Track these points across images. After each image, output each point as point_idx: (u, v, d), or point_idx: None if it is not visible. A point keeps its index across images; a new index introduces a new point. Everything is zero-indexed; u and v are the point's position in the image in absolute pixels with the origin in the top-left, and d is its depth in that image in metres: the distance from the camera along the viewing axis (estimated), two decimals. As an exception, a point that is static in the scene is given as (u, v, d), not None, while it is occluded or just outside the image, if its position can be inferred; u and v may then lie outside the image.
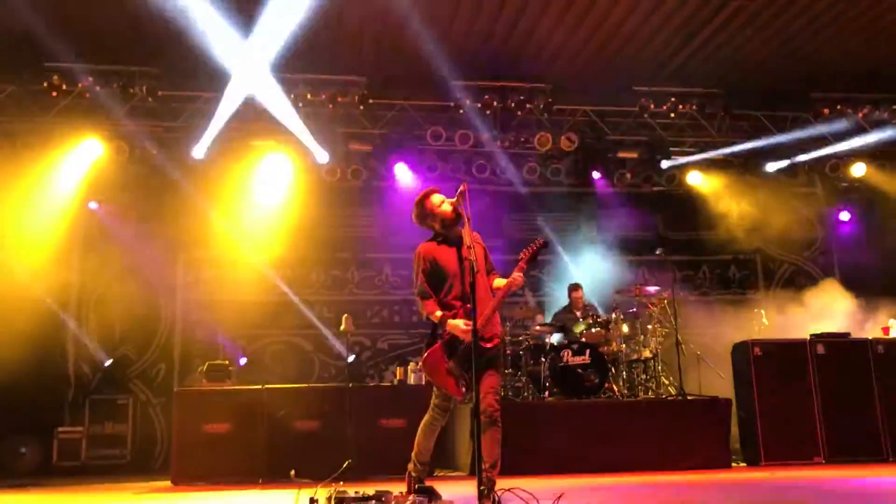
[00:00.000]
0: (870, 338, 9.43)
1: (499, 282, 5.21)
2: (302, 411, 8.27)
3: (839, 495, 5.65)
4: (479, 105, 10.96)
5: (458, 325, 5.00)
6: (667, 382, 9.49)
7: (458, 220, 5.18)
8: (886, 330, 9.70)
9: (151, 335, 11.04)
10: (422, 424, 5.29)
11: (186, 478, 7.97)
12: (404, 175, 11.42)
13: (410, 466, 5.31)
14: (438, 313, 5.11)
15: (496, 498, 4.34)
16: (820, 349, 9.15)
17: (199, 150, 10.47)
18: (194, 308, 11.16)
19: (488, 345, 5.07)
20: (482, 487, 4.60)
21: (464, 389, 5.01)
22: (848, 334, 9.44)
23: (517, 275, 5.05)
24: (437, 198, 5.31)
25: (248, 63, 9.70)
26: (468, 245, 4.97)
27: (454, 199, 5.23)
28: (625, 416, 8.68)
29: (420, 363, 5.22)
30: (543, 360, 9.13)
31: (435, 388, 5.26)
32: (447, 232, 5.28)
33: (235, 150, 10.80)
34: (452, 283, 5.18)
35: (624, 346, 9.55)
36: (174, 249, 11.18)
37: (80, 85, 10.08)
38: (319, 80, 10.58)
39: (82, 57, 9.82)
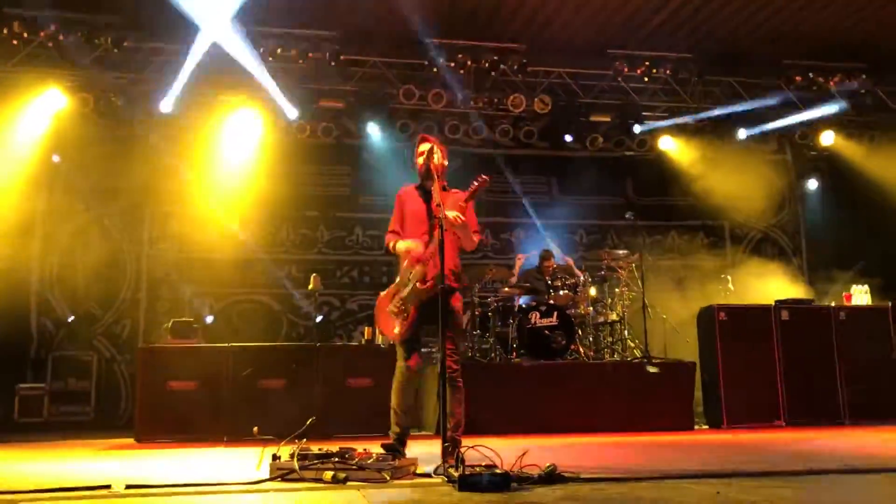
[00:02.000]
0: (832, 304, 9.58)
1: (451, 213, 5.08)
2: (269, 370, 8.23)
3: (796, 456, 5.76)
4: (453, 64, 10.82)
5: (406, 243, 5.20)
6: (633, 345, 9.58)
7: (427, 175, 5.29)
8: (849, 297, 9.85)
9: (116, 291, 10.89)
10: (393, 383, 5.26)
11: (150, 435, 7.92)
12: (376, 134, 11.31)
13: (392, 423, 5.24)
14: (393, 243, 5.33)
15: (459, 455, 4.36)
16: (784, 315, 9.28)
17: (166, 104, 10.24)
18: (160, 264, 11.02)
19: (424, 285, 5.09)
20: (446, 444, 4.66)
21: (397, 329, 5.11)
22: (811, 301, 9.59)
23: (455, 213, 5.04)
24: (423, 147, 5.41)
25: (217, 14, 9.45)
26: (437, 203, 4.96)
27: (424, 157, 5.25)
28: (590, 378, 8.78)
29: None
30: (511, 321, 9.17)
31: (397, 347, 5.28)
32: (421, 181, 5.41)
33: (204, 105, 10.60)
34: (412, 230, 5.30)
35: (591, 308, 9.62)
36: (140, 204, 11.01)
37: (42, 33, 9.77)
38: (291, 34, 10.37)
39: (46, 4, 9.51)
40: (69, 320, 10.61)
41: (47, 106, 10.19)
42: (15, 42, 9.78)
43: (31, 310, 10.63)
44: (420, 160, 5.38)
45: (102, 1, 9.62)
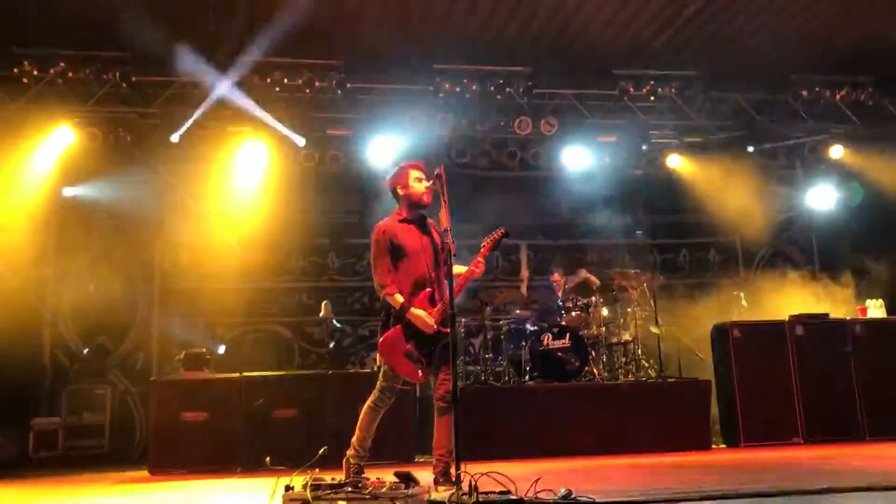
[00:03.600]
0: (848, 318, 9.49)
1: (458, 269, 5.17)
2: (281, 399, 8.21)
3: (816, 475, 5.68)
4: (458, 89, 10.86)
5: (422, 316, 5.07)
6: (647, 365, 9.52)
7: (426, 204, 5.25)
8: (864, 311, 9.76)
9: (129, 324, 10.93)
10: (365, 407, 5.28)
11: (164, 467, 7.91)
12: (383, 160, 11.34)
13: (350, 453, 5.29)
14: (400, 298, 5.11)
15: (472, 483, 4.32)
16: (799, 330, 9.20)
17: (175, 137, 10.32)
18: (172, 295, 11.05)
19: (446, 329, 5.05)
20: (458, 472, 4.61)
21: (421, 373, 5.08)
22: (827, 315, 9.49)
23: (479, 262, 5.11)
24: (415, 173, 5.33)
25: (223, 49, 9.55)
26: (445, 228, 4.95)
27: (430, 183, 5.21)
28: (605, 400, 8.71)
29: (378, 347, 5.18)
30: (524, 344, 9.13)
31: (383, 371, 5.24)
32: (411, 211, 5.31)
33: (212, 136, 10.66)
34: (409, 264, 5.18)
35: (604, 329, 9.57)
36: (151, 237, 11.05)
37: (51, 71, 9.88)
38: (297, 63, 10.44)
39: (54, 42, 9.64)
40: (84, 353, 10.64)
41: (57, 142, 10.28)
42: (25, 80, 9.89)
43: (44, 344, 10.68)
44: (419, 186, 5.30)
45: (110, 37, 9.72)
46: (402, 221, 5.32)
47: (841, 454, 7.42)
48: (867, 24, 10.07)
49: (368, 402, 5.31)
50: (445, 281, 5.00)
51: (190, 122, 10.18)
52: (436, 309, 5.14)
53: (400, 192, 5.36)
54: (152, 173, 10.65)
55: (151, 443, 8.18)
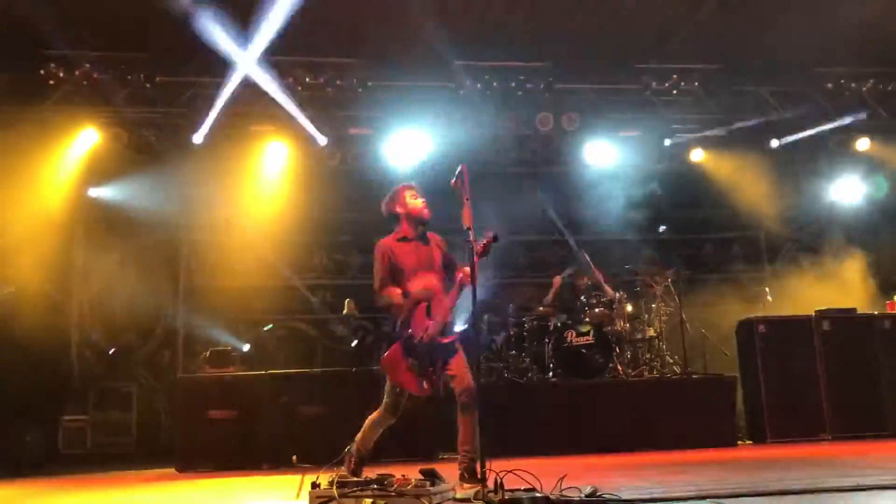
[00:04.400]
0: (875, 313, 9.38)
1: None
2: (305, 396, 8.26)
3: (843, 472, 5.62)
4: (480, 86, 10.85)
5: (417, 286, 5.14)
6: (671, 361, 9.46)
7: (426, 218, 5.36)
8: (892, 305, 9.64)
9: (155, 322, 11.04)
10: (370, 419, 5.32)
11: (191, 464, 7.98)
12: (405, 157, 11.34)
13: (353, 449, 5.31)
14: (398, 290, 5.19)
15: (498, 480, 4.32)
16: (825, 325, 9.10)
17: (198, 136, 10.41)
18: (197, 294, 11.14)
19: (445, 340, 5.14)
20: (484, 468, 4.62)
21: (426, 385, 5.08)
22: (854, 310, 9.38)
23: (467, 270, 5.03)
24: (410, 191, 5.46)
25: (246, 48, 9.60)
26: (468, 227, 4.94)
27: (422, 200, 5.39)
28: (630, 396, 8.68)
29: (381, 365, 5.20)
30: (547, 341, 9.11)
31: (388, 387, 5.27)
32: (412, 229, 5.39)
33: (235, 135, 10.76)
34: (408, 281, 5.24)
35: (628, 325, 9.52)
36: (175, 236, 11.15)
37: (77, 72, 9.99)
38: (318, 62, 10.48)
39: (79, 44, 9.75)
40: (110, 352, 10.76)
41: (83, 143, 10.40)
42: (52, 82, 10.01)
43: (71, 342, 10.82)
44: (417, 202, 5.40)
45: (133, 38, 9.81)
46: (401, 240, 5.39)
47: (869, 450, 7.34)
48: (894, 14, 9.93)
49: (374, 416, 5.33)
50: (449, 291, 5.17)
51: (212, 120, 10.26)
52: (432, 321, 5.17)
53: (399, 211, 5.45)
54: (176, 173, 10.72)
55: (178, 440, 8.27)
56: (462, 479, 4.96)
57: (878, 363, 8.99)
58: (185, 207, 10.92)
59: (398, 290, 5.20)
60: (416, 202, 5.41)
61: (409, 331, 5.16)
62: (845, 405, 8.81)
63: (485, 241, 5.02)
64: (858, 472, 5.60)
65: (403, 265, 5.28)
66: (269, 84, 10.06)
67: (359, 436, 5.37)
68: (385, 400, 5.29)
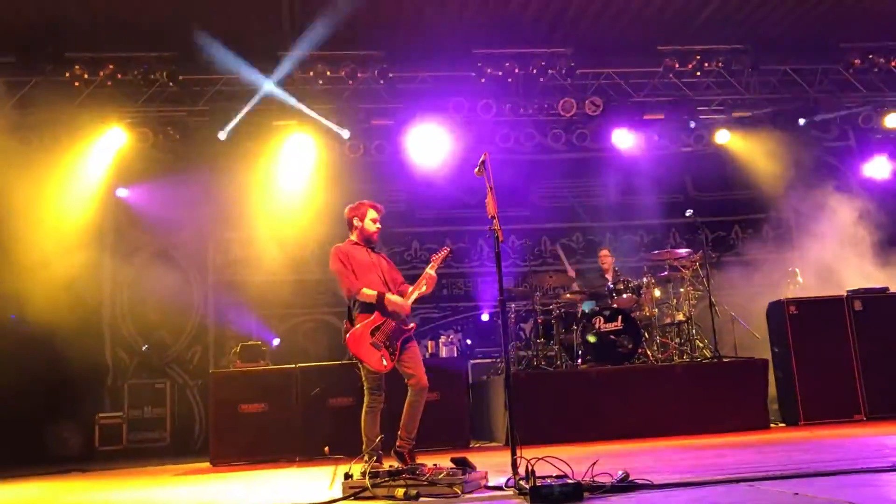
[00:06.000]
0: (909, 291, 9.23)
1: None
2: (335, 389, 8.31)
3: (878, 452, 5.55)
4: (501, 73, 10.80)
5: (397, 301, 5.68)
6: (701, 345, 9.39)
7: (374, 243, 6.02)
8: (925, 283, 9.47)
9: (185, 318, 11.18)
10: (363, 413, 5.69)
11: (225, 458, 8.08)
12: (429, 147, 11.34)
13: (366, 448, 5.56)
14: (370, 292, 5.69)
15: (529, 467, 4.32)
16: (857, 305, 8.97)
17: (222, 133, 10.49)
18: (226, 289, 11.25)
19: (406, 326, 5.77)
20: (517, 456, 4.62)
21: (385, 362, 5.57)
22: (886, 289, 9.23)
23: (431, 276, 5.84)
24: (372, 213, 5.98)
25: (267, 44, 9.67)
26: (493, 215, 4.95)
27: (378, 227, 5.99)
28: (660, 381, 8.62)
29: (344, 340, 5.73)
30: (576, 327, 9.08)
31: (364, 374, 5.67)
32: (360, 241, 5.96)
33: (258, 132, 10.81)
34: (363, 277, 5.75)
35: (656, 310, 9.46)
36: (203, 232, 11.27)
37: (101, 74, 10.10)
38: (339, 55, 10.49)
39: (102, 45, 9.85)
40: (143, 349, 10.91)
41: (110, 142, 10.52)
42: (77, 84, 10.12)
43: (105, 341, 10.99)
44: (371, 226, 5.93)
45: (156, 38, 9.89)
46: (354, 244, 5.96)
47: (906, 430, 7.24)
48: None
49: (364, 408, 5.69)
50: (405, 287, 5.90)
51: (237, 119, 10.34)
52: (406, 302, 5.78)
53: (356, 223, 5.99)
54: (202, 170, 10.81)
55: (212, 434, 8.37)
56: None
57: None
58: (212, 204, 11.01)
59: (372, 292, 5.68)
60: (372, 226, 5.95)
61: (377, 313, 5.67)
62: (880, 385, 8.68)
63: (442, 255, 5.91)
64: (893, 451, 5.53)
65: (358, 265, 5.81)
66: (291, 79, 10.12)
67: (363, 434, 5.63)
68: (366, 386, 5.70)
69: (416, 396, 5.65)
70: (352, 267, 5.78)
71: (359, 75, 10.55)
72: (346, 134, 10.84)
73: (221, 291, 11.26)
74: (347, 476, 4.64)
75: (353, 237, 6.00)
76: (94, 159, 10.58)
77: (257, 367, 8.62)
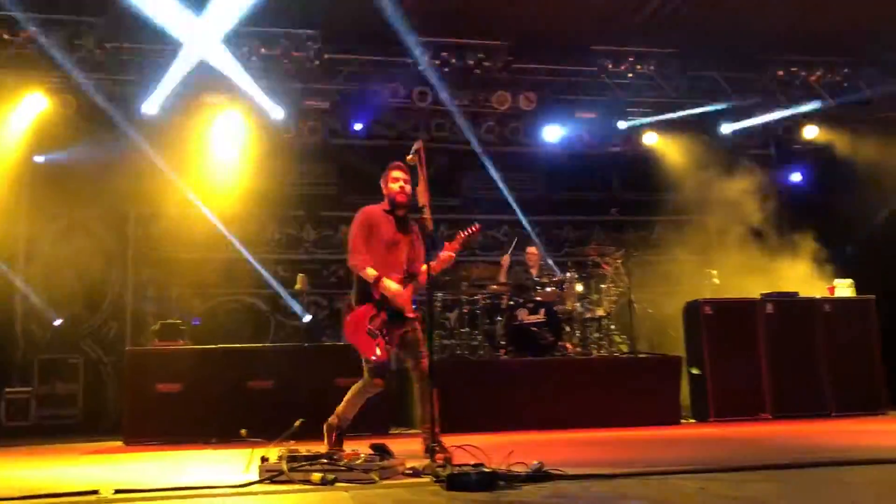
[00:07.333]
0: (817, 297, 9.65)
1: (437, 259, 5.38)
2: (256, 371, 8.22)
3: (782, 450, 5.81)
4: (438, 62, 10.81)
5: (393, 288, 5.26)
6: (619, 341, 9.63)
7: (399, 202, 5.42)
8: (832, 290, 9.92)
9: (102, 293, 10.85)
10: (355, 387, 5.45)
11: (138, 438, 7.91)
12: (362, 132, 11.28)
13: (333, 420, 5.44)
14: (373, 272, 5.28)
15: (448, 456, 4.38)
16: (769, 308, 9.34)
17: (149, 105, 10.20)
18: (147, 265, 10.97)
19: (411, 314, 5.42)
20: (433, 444, 4.71)
21: (379, 352, 5.21)
22: (796, 294, 9.64)
23: (451, 255, 5.39)
24: (395, 174, 5.48)
25: (200, 17, 9.42)
26: (423, 204, 4.97)
27: (400, 184, 5.42)
28: (578, 374, 8.82)
29: (344, 325, 5.43)
30: (499, 318, 9.19)
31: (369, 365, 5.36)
32: (393, 208, 5.47)
33: (188, 106, 10.55)
34: (382, 253, 5.36)
35: (578, 304, 9.65)
36: (124, 205, 10.94)
37: (23, 35, 9.68)
38: (274, 33, 10.31)
39: (26, 7, 9.44)
40: (56, 323, 10.55)
41: (30, 107, 10.12)
42: (-5, 44, 9.69)
43: (15, 314, 10.57)
44: (393, 186, 5.45)
45: (84, 2, 9.54)
46: (385, 212, 5.49)
47: (807, 429, 7.59)
48: (842, 6, 10.12)
49: (359, 384, 5.43)
50: (420, 266, 5.38)
51: (165, 91, 10.07)
52: (408, 290, 5.38)
53: (384, 190, 5.55)
54: (126, 141, 10.48)
55: (126, 413, 8.17)
56: (431, 451, 4.91)
57: (817, 345, 9.27)
58: (135, 177, 10.68)
59: (373, 273, 5.28)
60: (393, 186, 5.45)
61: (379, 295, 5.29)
62: (785, 385, 9.08)
63: (471, 230, 5.50)
64: (797, 449, 5.80)
65: (380, 233, 5.39)
66: (223, 55, 9.90)
67: (340, 406, 5.45)
68: (364, 366, 5.37)
69: (421, 383, 5.40)
70: (367, 236, 5.38)
71: (293, 54, 10.38)
72: (278, 113, 10.67)
73: (142, 267, 10.97)
74: (264, 459, 4.61)
75: (385, 204, 5.53)
76: (12, 123, 10.16)
77: (176, 346, 8.45)
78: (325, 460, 4.53)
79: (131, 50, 10.23)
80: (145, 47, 10.13)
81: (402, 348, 5.45)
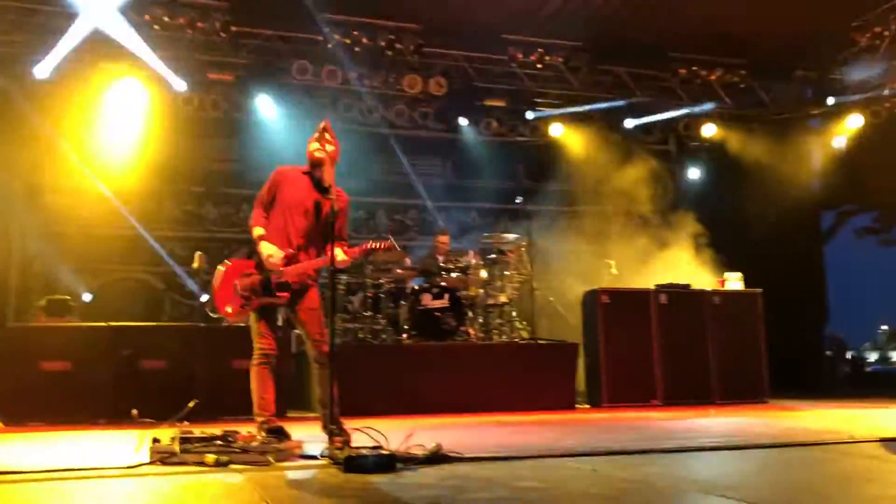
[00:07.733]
0: (707, 289, 10.04)
1: (339, 252, 4.87)
2: (149, 350, 7.94)
3: (668, 435, 6.05)
4: (348, 41, 10.67)
5: (269, 249, 4.85)
6: (520, 327, 9.77)
7: (315, 160, 4.97)
8: (722, 282, 10.33)
9: (-15, 266, 10.26)
10: (251, 374, 5.04)
11: (19, 417, 7.49)
12: (267, 109, 11.04)
13: (255, 416, 5.06)
14: (260, 231, 4.95)
15: (346, 439, 4.36)
16: (662, 299, 9.66)
17: (41, 69, 9.68)
18: (35, 239, 10.44)
19: (280, 292, 4.92)
20: (332, 426, 4.68)
21: (229, 310, 4.92)
22: (688, 285, 9.99)
23: (350, 254, 4.93)
24: (316, 134, 5.05)
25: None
26: (328, 184, 4.88)
27: (319, 140, 5.01)
28: (479, 359, 8.91)
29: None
30: (403, 303, 9.19)
31: (252, 328, 5.06)
32: (312, 169, 5.03)
33: (84, 72, 10.06)
34: (284, 217, 4.96)
35: (482, 290, 9.73)
36: (11, 174, 10.34)
37: None
38: (178, 2, 9.95)
39: None
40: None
41: None
42: None
43: None
44: (311, 146, 5.00)
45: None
46: (303, 174, 5.07)
47: (693, 416, 7.91)
48: (742, 10, 10.53)
49: (252, 366, 5.06)
50: (319, 246, 4.94)
51: (59, 55, 9.56)
52: (292, 266, 4.90)
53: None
54: (15, 107, 9.92)
55: (5, 392, 7.74)
56: (332, 433, 4.80)
57: (706, 336, 9.65)
58: (24, 146, 10.13)
59: (259, 232, 4.93)
60: (310, 146, 5.00)
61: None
62: (676, 373, 9.42)
63: (383, 245, 4.96)
64: (684, 434, 6.04)
65: (284, 196, 5.00)
66: (124, 20, 9.48)
67: (254, 402, 5.02)
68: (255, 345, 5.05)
69: (318, 365, 5.04)
70: (271, 194, 5.01)
71: (198, 25, 10.05)
72: (181, 85, 10.31)
73: (28, 240, 10.43)
74: (156, 441, 4.47)
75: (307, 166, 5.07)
76: None
77: (64, 323, 8.07)
78: (220, 442, 4.43)
79: (23, 10, 9.68)
80: (38, 7, 9.59)
81: (298, 327, 5.15)
